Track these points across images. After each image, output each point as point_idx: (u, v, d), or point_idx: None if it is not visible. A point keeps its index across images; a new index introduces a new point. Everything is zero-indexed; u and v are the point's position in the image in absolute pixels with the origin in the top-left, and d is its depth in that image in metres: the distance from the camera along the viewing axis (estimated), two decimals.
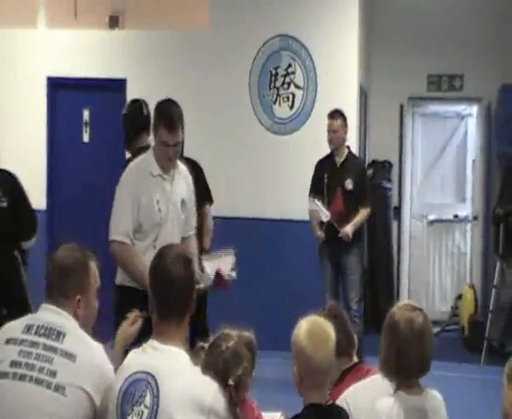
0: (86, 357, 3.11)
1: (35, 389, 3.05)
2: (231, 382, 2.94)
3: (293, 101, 8.85)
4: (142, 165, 4.90)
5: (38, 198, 8.90)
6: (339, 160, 7.68)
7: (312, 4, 8.69)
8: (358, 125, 8.96)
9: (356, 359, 3.70)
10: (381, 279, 9.81)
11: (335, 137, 7.61)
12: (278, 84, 8.89)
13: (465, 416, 5.60)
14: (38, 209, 8.87)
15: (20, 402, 3.03)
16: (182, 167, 5.05)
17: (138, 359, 3.00)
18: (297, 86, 8.84)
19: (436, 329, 9.86)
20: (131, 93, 8.89)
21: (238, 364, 3.01)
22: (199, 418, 2.85)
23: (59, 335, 3.13)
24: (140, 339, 3.26)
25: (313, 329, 3.01)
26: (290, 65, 8.85)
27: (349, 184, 7.55)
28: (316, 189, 7.69)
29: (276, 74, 8.89)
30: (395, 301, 10.20)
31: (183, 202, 4.97)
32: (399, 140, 10.32)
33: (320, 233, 7.57)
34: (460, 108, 10.57)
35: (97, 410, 3.09)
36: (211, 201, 7.12)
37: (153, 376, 2.90)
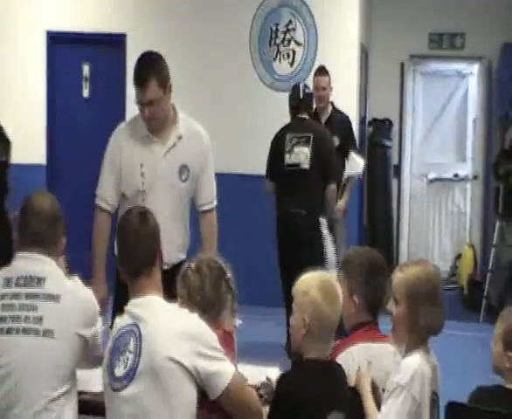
0: (69, 295, 3.16)
1: (24, 340, 3.08)
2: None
3: (293, 58, 8.81)
4: (130, 125, 4.50)
5: (38, 153, 8.93)
6: (324, 118, 7.58)
7: None
8: (359, 83, 8.92)
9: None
10: (380, 239, 9.80)
11: (325, 94, 7.54)
12: (278, 41, 8.84)
13: (464, 373, 5.63)
14: (39, 164, 8.92)
15: (12, 356, 3.05)
16: (192, 128, 4.53)
17: (121, 320, 3.03)
18: (297, 43, 8.79)
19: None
20: (131, 49, 8.85)
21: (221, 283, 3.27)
22: (183, 346, 2.86)
23: (40, 281, 3.16)
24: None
25: (326, 284, 3.06)
26: (290, 22, 8.80)
27: (335, 141, 7.33)
28: None
29: (276, 31, 8.83)
30: (394, 259, 10.30)
31: (183, 168, 4.45)
32: (400, 98, 10.27)
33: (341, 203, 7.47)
34: (461, 67, 10.51)
35: (89, 343, 3.17)
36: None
37: (135, 324, 2.94)
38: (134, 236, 3.07)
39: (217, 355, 2.92)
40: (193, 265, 3.32)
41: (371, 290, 3.38)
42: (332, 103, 7.69)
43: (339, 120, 7.61)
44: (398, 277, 3.08)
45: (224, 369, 2.91)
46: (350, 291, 3.37)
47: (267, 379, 3.38)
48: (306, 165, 6.63)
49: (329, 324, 3.03)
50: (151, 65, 4.34)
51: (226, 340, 3.21)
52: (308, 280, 3.06)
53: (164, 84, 4.31)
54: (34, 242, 3.23)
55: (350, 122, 7.74)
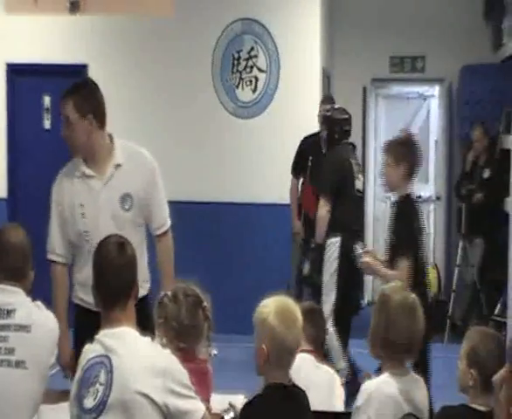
0: (39, 324, 3.21)
1: None
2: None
3: (256, 85, 8.84)
4: (68, 169, 4.35)
5: None
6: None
7: None
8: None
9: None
10: None
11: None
12: (240, 67, 8.87)
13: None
14: (0, 197, 8.86)
15: None
16: (132, 153, 4.36)
17: (91, 349, 3.02)
18: (260, 70, 8.84)
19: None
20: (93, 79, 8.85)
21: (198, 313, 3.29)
22: (154, 381, 2.86)
23: (10, 312, 3.18)
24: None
25: (283, 310, 3.07)
26: (252, 49, 8.84)
27: None
28: (296, 167, 7.78)
29: (239, 58, 8.87)
30: (360, 282, 10.29)
31: (125, 197, 4.24)
32: (362, 121, 10.36)
33: (298, 227, 7.60)
34: (423, 89, 10.64)
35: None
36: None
37: (106, 356, 2.93)
38: (112, 267, 3.06)
39: (188, 393, 2.92)
40: (170, 293, 3.34)
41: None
42: None
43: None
44: None
45: (194, 408, 2.92)
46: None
47: (230, 405, 3.39)
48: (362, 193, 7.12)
49: (288, 349, 3.04)
50: (77, 88, 4.28)
51: (199, 375, 3.21)
52: (266, 308, 3.07)
53: (82, 111, 4.16)
54: (8, 275, 3.26)
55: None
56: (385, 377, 3.14)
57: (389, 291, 3.25)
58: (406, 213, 5.15)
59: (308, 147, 7.67)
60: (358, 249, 5.75)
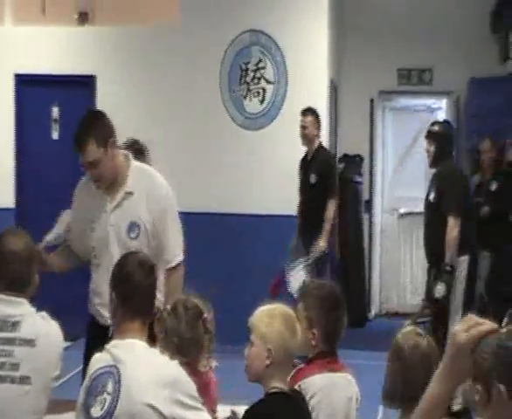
0: (44, 338, 3.19)
1: (1, 388, 3.05)
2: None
3: (263, 96, 8.85)
4: (88, 180, 4.32)
5: (6, 196, 8.88)
6: (309, 156, 8.02)
7: None
8: (329, 119, 8.99)
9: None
10: (352, 273, 9.84)
11: (305, 133, 7.95)
12: (248, 79, 8.88)
13: None
14: (7, 207, 8.86)
15: None
16: (146, 182, 4.26)
17: (100, 358, 3.04)
18: (267, 81, 8.84)
19: (407, 321, 9.91)
20: (100, 90, 8.87)
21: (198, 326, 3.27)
22: (162, 393, 2.88)
23: (15, 325, 3.16)
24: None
25: (287, 315, 3.09)
26: (260, 61, 8.85)
27: (312, 178, 7.85)
28: (299, 188, 8.07)
29: (246, 69, 8.88)
30: (366, 293, 10.32)
31: (133, 225, 4.18)
32: (370, 134, 10.36)
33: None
34: (430, 102, 10.64)
35: None
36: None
37: (115, 366, 2.95)
38: (141, 286, 3.12)
39: (195, 405, 2.94)
40: (169, 307, 3.33)
41: (331, 323, 3.43)
42: (320, 142, 8.04)
43: (319, 158, 7.96)
44: None
45: None
46: (310, 323, 3.39)
47: (232, 412, 3.38)
48: None
49: (291, 354, 3.07)
50: (88, 126, 4.19)
51: (202, 386, 3.21)
52: (271, 312, 3.08)
53: (104, 142, 4.12)
54: (11, 284, 3.23)
55: (329, 161, 8.14)
56: None
57: (402, 342, 3.04)
58: None
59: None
60: None
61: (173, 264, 4.27)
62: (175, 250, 4.30)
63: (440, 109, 10.58)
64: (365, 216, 10.27)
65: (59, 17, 8.91)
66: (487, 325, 2.10)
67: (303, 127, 7.95)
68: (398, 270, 10.50)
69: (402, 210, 10.53)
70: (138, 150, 5.49)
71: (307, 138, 7.95)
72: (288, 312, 3.11)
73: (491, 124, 9.39)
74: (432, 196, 6.83)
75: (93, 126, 4.19)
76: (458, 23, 9.91)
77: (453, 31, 9.93)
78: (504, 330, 2.10)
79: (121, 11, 8.91)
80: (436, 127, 6.99)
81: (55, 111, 9.04)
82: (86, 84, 8.87)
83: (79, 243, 4.33)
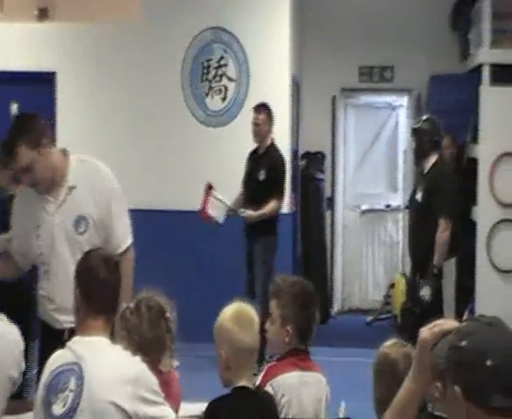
0: (2, 339, 3.18)
1: None
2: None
3: (225, 93, 8.85)
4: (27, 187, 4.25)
5: None
6: (260, 152, 7.88)
7: None
8: (291, 117, 9.01)
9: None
10: (315, 270, 9.87)
11: (257, 130, 7.81)
12: (210, 76, 8.88)
13: None
14: None
15: None
16: (88, 173, 4.20)
17: (62, 355, 3.03)
18: (229, 79, 8.85)
19: (369, 318, 9.99)
20: (61, 86, 8.81)
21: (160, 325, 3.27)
22: (125, 389, 2.87)
23: None
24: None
25: (238, 313, 3.11)
26: (222, 58, 8.85)
27: (261, 175, 7.71)
28: (242, 180, 7.93)
29: (208, 67, 8.87)
30: (328, 290, 10.35)
31: (79, 219, 4.11)
32: (332, 131, 10.40)
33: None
34: (391, 99, 10.72)
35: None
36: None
37: (77, 364, 2.94)
38: (106, 281, 3.13)
39: (157, 400, 2.94)
40: (132, 305, 3.32)
41: (305, 319, 3.44)
42: (272, 139, 7.88)
43: (270, 156, 7.82)
44: None
45: (164, 414, 2.94)
46: (284, 320, 3.39)
47: (202, 412, 3.38)
48: None
49: (247, 351, 3.07)
50: (17, 131, 4.10)
51: (164, 385, 3.20)
52: (222, 315, 3.11)
53: (36, 145, 4.03)
54: None
55: (280, 161, 7.84)
56: None
57: (394, 355, 3.00)
58: None
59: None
60: None
61: (123, 249, 4.22)
62: (123, 235, 4.25)
63: (402, 106, 10.66)
64: (327, 213, 10.31)
65: (19, 13, 8.83)
66: (450, 323, 2.13)
67: (256, 124, 7.81)
68: (360, 266, 10.57)
69: (364, 207, 10.59)
70: None
71: (259, 135, 7.82)
72: (239, 309, 3.12)
73: (452, 121, 9.44)
74: (419, 196, 6.73)
75: (23, 130, 4.10)
76: (419, 20, 9.98)
77: (413, 29, 10.00)
78: (457, 329, 2.13)
79: (81, 8, 8.85)
80: (419, 124, 6.94)
81: (14, 108, 8.96)
82: (46, 80, 8.79)
83: (22, 257, 4.26)
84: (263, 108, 7.82)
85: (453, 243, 6.54)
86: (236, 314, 3.09)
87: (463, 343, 2.11)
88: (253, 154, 7.94)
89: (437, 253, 6.47)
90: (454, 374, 2.13)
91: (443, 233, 6.45)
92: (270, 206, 7.65)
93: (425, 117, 7.24)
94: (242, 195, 7.88)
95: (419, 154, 6.80)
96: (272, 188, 7.67)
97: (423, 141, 6.74)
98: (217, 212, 7.71)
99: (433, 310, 6.39)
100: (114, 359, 2.98)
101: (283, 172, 7.86)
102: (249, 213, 7.63)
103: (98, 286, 3.11)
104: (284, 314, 3.42)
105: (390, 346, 3.07)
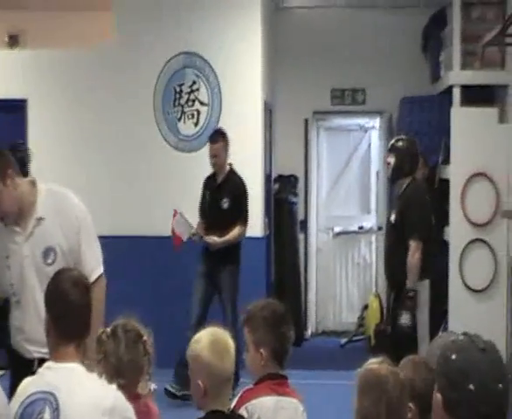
0: None
1: None
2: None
3: (198, 118, 8.86)
4: None
5: None
6: (219, 178, 7.72)
7: (215, 21, 8.72)
8: (263, 140, 9.03)
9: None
10: (289, 293, 9.87)
11: (216, 161, 7.65)
12: (182, 101, 8.89)
13: None
14: None
15: None
16: (56, 203, 4.19)
17: (34, 382, 3.00)
18: (202, 103, 8.86)
19: (343, 340, 10.01)
20: (32, 114, 8.78)
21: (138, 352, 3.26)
22: None
23: None
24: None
25: (214, 341, 3.08)
26: (194, 83, 8.87)
27: (224, 203, 7.60)
28: (201, 208, 7.81)
29: (180, 91, 8.89)
30: (303, 312, 10.35)
31: (48, 251, 4.11)
32: (305, 154, 10.44)
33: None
34: (363, 121, 10.79)
35: None
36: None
37: (51, 393, 2.91)
38: (76, 305, 3.08)
39: None
40: (109, 330, 3.31)
41: (278, 340, 3.42)
42: (230, 164, 7.76)
43: (232, 183, 7.70)
44: None
45: None
46: (256, 344, 3.39)
47: None
48: None
49: (225, 379, 3.06)
50: None
51: (141, 415, 3.19)
52: (197, 344, 3.08)
53: (1, 177, 4.04)
54: None
55: (243, 188, 7.73)
56: None
57: (383, 371, 2.96)
58: None
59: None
60: None
61: (94, 278, 4.16)
62: (94, 264, 4.23)
63: (374, 128, 10.73)
64: (301, 236, 10.34)
65: None
66: None
67: (214, 156, 7.64)
68: (334, 288, 10.59)
69: (337, 229, 10.63)
70: (20, 159, 5.39)
71: (218, 164, 7.66)
72: (215, 336, 3.10)
73: (423, 142, 9.52)
74: (393, 218, 6.73)
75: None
76: (390, 43, 10.07)
77: (385, 52, 10.09)
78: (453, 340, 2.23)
79: (52, 34, 8.84)
80: (400, 143, 6.88)
81: None
82: (17, 108, 8.76)
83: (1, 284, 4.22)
84: (219, 136, 7.70)
85: (426, 265, 6.53)
86: (212, 343, 3.06)
87: (453, 357, 2.19)
88: (212, 181, 7.78)
89: (409, 276, 6.45)
90: (439, 383, 2.20)
91: (413, 255, 6.44)
92: (235, 232, 7.58)
93: (404, 136, 7.24)
94: (203, 224, 7.73)
95: (399, 173, 6.76)
96: (236, 215, 7.61)
97: (404, 161, 6.71)
98: (181, 229, 7.64)
99: (409, 333, 6.48)
100: (90, 388, 2.95)
101: (246, 198, 7.73)
102: (214, 239, 7.53)
103: (68, 309, 3.08)
104: (256, 339, 3.41)
105: (379, 362, 3.04)
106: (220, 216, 7.58)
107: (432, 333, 8.62)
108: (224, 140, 7.66)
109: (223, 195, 7.62)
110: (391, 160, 6.77)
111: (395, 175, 6.78)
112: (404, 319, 6.46)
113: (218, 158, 7.63)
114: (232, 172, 7.76)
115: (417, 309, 6.50)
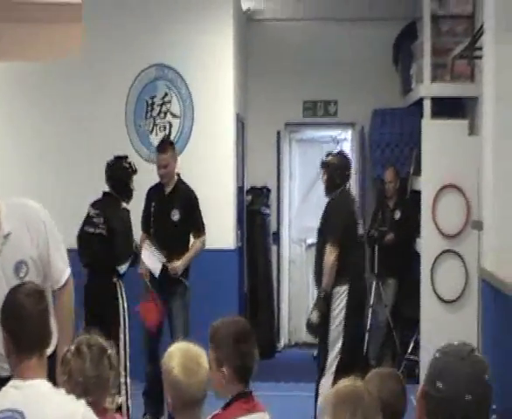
0: None
1: None
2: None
3: (170, 130, 8.86)
4: None
5: None
6: (168, 189, 7.33)
7: (186, 33, 8.73)
8: (236, 152, 9.04)
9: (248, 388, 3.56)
10: (262, 304, 9.89)
11: (165, 172, 7.27)
12: (154, 113, 8.89)
13: None
14: None
15: None
16: (21, 216, 4.15)
17: (1, 398, 2.96)
18: (174, 115, 8.86)
19: (316, 351, 10.00)
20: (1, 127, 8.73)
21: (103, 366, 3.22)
22: None
23: None
24: None
25: (185, 359, 3.05)
26: (166, 95, 8.87)
27: (175, 215, 7.17)
28: (144, 221, 7.39)
29: (152, 104, 8.88)
30: (276, 324, 10.33)
31: (19, 265, 4.08)
32: (277, 165, 10.46)
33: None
34: (335, 133, 10.83)
35: None
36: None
37: (19, 412, 2.88)
38: (33, 315, 3.05)
39: None
40: (72, 348, 3.28)
41: (239, 357, 3.40)
42: (178, 174, 7.41)
43: (182, 194, 7.32)
44: None
45: None
46: (218, 362, 3.38)
47: None
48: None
49: (191, 399, 3.04)
50: None
51: None
52: (171, 361, 3.07)
53: None
54: None
55: (194, 197, 7.33)
56: None
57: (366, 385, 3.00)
58: None
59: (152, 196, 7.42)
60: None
61: (63, 282, 4.20)
62: (62, 267, 4.24)
63: (346, 140, 10.77)
64: (273, 248, 10.35)
65: None
66: None
67: (164, 166, 7.22)
68: (307, 300, 10.57)
69: (309, 241, 10.63)
70: None
71: (168, 176, 7.25)
72: (189, 356, 3.09)
73: (394, 154, 9.62)
74: (319, 223, 7.05)
75: None
76: (362, 55, 10.13)
77: (356, 64, 10.14)
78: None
79: (18, 48, 8.76)
80: (329, 158, 7.11)
81: None
82: None
83: None
84: (168, 145, 7.42)
85: (344, 272, 6.65)
86: (185, 362, 3.05)
87: (437, 355, 2.29)
88: (158, 192, 7.36)
89: (324, 278, 6.66)
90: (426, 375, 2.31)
91: (328, 258, 6.63)
92: (196, 247, 7.25)
93: (335, 152, 7.51)
94: (146, 237, 7.29)
95: (331, 186, 6.96)
96: (189, 226, 7.23)
97: (334, 175, 6.93)
98: (153, 261, 7.15)
99: (315, 330, 6.83)
100: (58, 405, 2.92)
101: (198, 207, 7.29)
102: (176, 264, 7.06)
103: (23, 320, 3.05)
104: (217, 356, 3.36)
105: (352, 380, 3.01)
106: (169, 228, 7.16)
107: (404, 341, 8.72)
108: (172, 150, 7.35)
109: (173, 205, 7.18)
110: (323, 175, 7.07)
111: (328, 188, 7.02)
112: (313, 316, 6.74)
113: (168, 168, 7.23)
114: (181, 182, 7.37)
115: (331, 312, 6.65)
